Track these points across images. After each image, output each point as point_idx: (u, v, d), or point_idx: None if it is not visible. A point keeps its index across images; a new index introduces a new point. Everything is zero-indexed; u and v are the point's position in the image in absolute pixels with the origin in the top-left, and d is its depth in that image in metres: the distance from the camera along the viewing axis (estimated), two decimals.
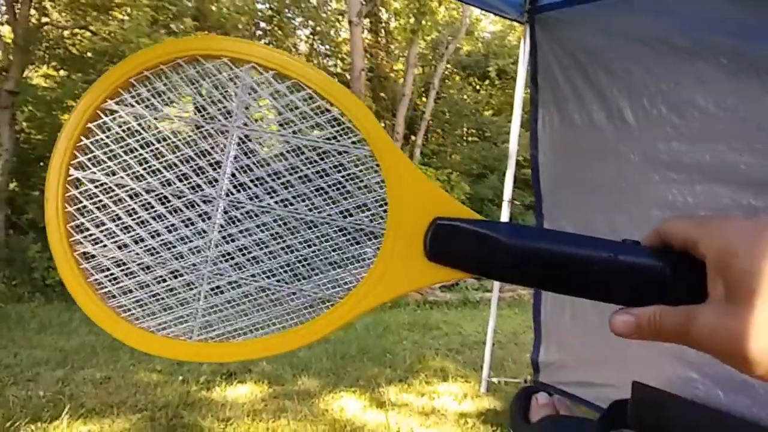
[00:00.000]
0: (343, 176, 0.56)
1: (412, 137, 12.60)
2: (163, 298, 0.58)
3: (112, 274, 0.58)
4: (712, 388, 2.39)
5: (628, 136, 2.66)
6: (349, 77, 11.94)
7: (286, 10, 12.32)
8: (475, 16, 14.93)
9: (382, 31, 14.29)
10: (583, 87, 2.85)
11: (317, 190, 0.57)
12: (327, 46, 13.97)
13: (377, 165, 0.54)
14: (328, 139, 0.56)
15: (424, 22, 12.05)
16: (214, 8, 10.61)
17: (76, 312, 5.61)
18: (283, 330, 0.56)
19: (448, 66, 14.49)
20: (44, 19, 8.79)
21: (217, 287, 0.58)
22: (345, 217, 0.57)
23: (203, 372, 3.88)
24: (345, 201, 0.56)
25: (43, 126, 7.72)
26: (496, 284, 3.72)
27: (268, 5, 12.32)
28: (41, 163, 7.71)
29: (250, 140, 0.57)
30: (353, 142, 0.55)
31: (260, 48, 0.56)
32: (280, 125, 0.57)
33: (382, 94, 13.48)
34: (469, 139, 14.74)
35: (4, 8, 8.25)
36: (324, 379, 3.89)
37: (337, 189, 0.57)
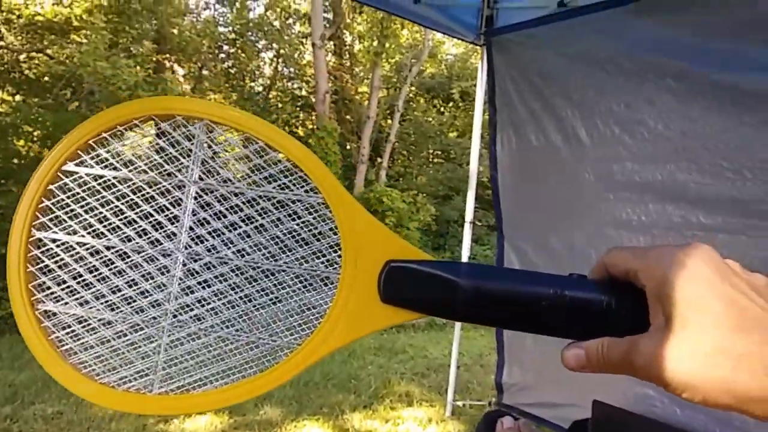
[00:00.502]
0: (297, 224, 0.58)
1: (378, 159, 12.66)
2: (123, 353, 0.59)
3: (72, 331, 0.58)
4: (669, 406, 2.42)
5: (584, 156, 2.70)
6: (314, 100, 11.97)
7: (249, 33, 12.31)
8: (437, 39, 15.20)
9: (346, 53, 14.40)
10: (539, 108, 2.90)
11: (273, 238, 0.59)
12: (291, 69, 13.99)
13: (330, 212, 0.55)
14: (282, 188, 0.58)
15: (387, 45, 12.20)
16: (174, 31, 10.52)
17: None
18: (242, 379, 0.57)
19: (412, 88, 14.67)
20: None
21: (177, 339, 0.59)
22: (301, 264, 0.58)
23: None
24: (300, 248, 0.58)
25: None
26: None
27: (230, 28, 12.30)
28: None
29: (206, 194, 0.59)
30: (306, 191, 0.57)
31: (212, 105, 0.60)
32: (236, 178, 0.59)
33: (347, 117, 13.53)
34: (435, 160, 14.89)
35: None
36: (287, 408, 3.78)
37: (292, 237, 0.58)
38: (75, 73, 7.62)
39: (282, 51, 12.90)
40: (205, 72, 12.41)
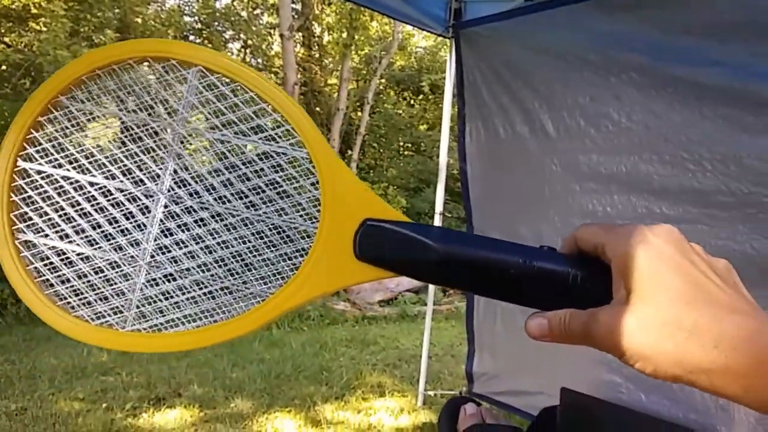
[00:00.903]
0: (280, 176, 0.59)
1: (349, 151, 12.62)
2: (99, 288, 0.59)
3: (51, 263, 0.59)
4: (635, 392, 2.49)
5: (551, 148, 2.75)
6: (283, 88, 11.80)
7: (216, 23, 12.09)
8: (407, 32, 15.19)
9: (316, 45, 14.27)
10: (507, 101, 2.93)
11: (254, 188, 0.60)
12: (259, 60, 13.79)
13: (313, 167, 0.56)
14: (268, 140, 0.59)
15: (356, 37, 12.14)
16: (138, 20, 10.26)
17: None
18: (214, 323, 0.58)
19: (382, 81, 14.64)
20: None
21: (153, 279, 0.60)
22: (280, 215, 0.59)
23: (129, 398, 3.68)
24: (281, 200, 0.59)
25: None
26: (431, 297, 3.75)
27: (196, 18, 12.06)
28: None
29: (193, 139, 0.60)
30: (291, 144, 0.58)
31: (208, 52, 0.58)
32: (223, 125, 0.59)
33: (317, 108, 13.43)
34: (405, 153, 14.91)
35: None
36: (258, 400, 3.77)
37: (274, 188, 0.59)
38: (34, 62, 7.37)
39: (250, 42, 12.71)
40: None
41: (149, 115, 0.60)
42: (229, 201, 0.59)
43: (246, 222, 0.60)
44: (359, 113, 13.44)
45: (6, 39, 8.01)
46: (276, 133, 0.58)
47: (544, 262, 0.45)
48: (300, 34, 13.39)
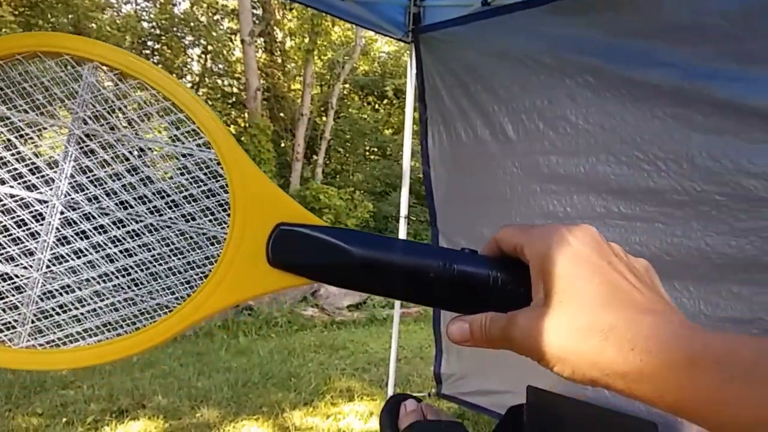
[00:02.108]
0: (186, 179, 0.55)
1: (314, 157, 12.57)
2: None
3: None
4: (600, 389, 2.53)
5: (511, 151, 2.80)
6: (245, 97, 11.72)
7: (175, 29, 11.89)
8: (369, 37, 15.25)
9: (278, 50, 14.18)
10: (467, 104, 2.97)
11: (159, 192, 0.56)
12: (221, 66, 13.62)
13: (221, 169, 0.53)
14: (173, 141, 0.55)
15: (318, 42, 12.12)
16: (93, 26, 10.01)
17: None
18: (117, 336, 0.54)
19: (346, 86, 14.66)
20: None
21: (49, 291, 0.56)
22: (187, 221, 0.56)
23: (91, 411, 3.58)
24: (188, 204, 0.56)
25: None
26: (398, 300, 3.76)
27: (154, 23, 11.84)
28: None
29: (91, 140, 0.55)
30: (198, 145, 0.54)
31: (104, 46, 0.54)
32: (123, 125, 0.56)
33: (280, 114, 13.34)
34: (371, 157, 14.94)
35: None
36: (225, 409, 3.71)
37: (180, 192, 0.56)
38: None
39: (210, 47, 12.54)
40: None
41: (41, 114, 0.55)
42: (131, 206, 0.56)
43: (150, 228, 0.56)
44: (324, 118, 13.42)
45: None
46: (181, 133, 0.55)
47: (465, 265, 0.44)
48: (261, 39, 13.29)
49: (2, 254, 0.55)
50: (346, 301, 7.71)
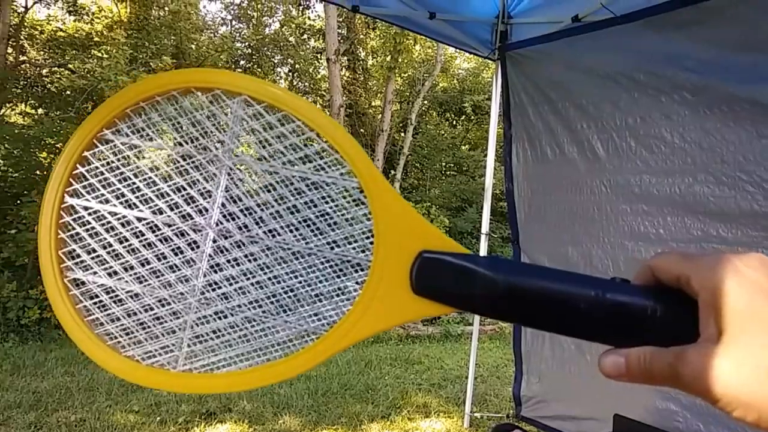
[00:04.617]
0: (330, 207, 0.57)
1: (392, 172, 12.72)
2: (149, 327, 0.57)
3: (100, 301, 0.57)
4: (693, 421, 2.40)
5: (600, 169, 2.73)
6: (328, 113, 12.08)
7: (265, 48, 12.50)
8: (449, 54, 15.32)
9: (360, 68, 14.54)
10: (554, 122, 2.94)
11: (305, 220, 0.57)
12: (306, 83, 14.15)
13: (364, 197, 0.54)
14: (317, 170, 0.56)
15: (400, 60, 12.32)
16: (193, 47, 10.73)
17: (52, 352, 5.46)
18: (267, 362, 0.55)
19: (425, 102, 14.75)
20: (22, 58, 8.79)
21: (204, 316, 0.58)
22: (332, 248, 0.56)
23: (182, 412, 3.78)
24: (332, 232, 0.56)
25: (20, 164, 7.63)
26: (477, 318, 3.73)
27: (246, 44, 12.51)
28: (18, 201, 7.59)
29: (240, 170, 0.58)
30: (341, 174, 0.55)
31: (252, 81, 0.56)
32: (271, 156, 0.57)
33: (361, 130, 13.63)
34: (448, 173, 14.90)
35: None
36: (305, 417, 3.81)
37: (325, 220, 0.57)
38: (96, 87, 7.79)
39: (297, 66, 13.07)
40: None
41: (195, 147, 0.58)
42: (279, 234, 0.57)
43: (297, 255, 0.57)
44: (402, 134, 13.57)
45: (71, 66, 8.49)
46: (325, 163, 0.55)
47: (619, 295, 0.41)
48: (345, 57, 13.68)
49: (161, 280, 0.58)
50: None
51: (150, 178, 0.58)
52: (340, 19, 12.74)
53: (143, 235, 0.57)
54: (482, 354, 6.09)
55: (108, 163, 0.57)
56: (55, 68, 8.95)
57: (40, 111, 9.06)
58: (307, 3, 14.26)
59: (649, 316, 0.40)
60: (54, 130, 7.56)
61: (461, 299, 0.48)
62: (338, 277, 0.57)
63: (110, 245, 0.57)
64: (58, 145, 7.60)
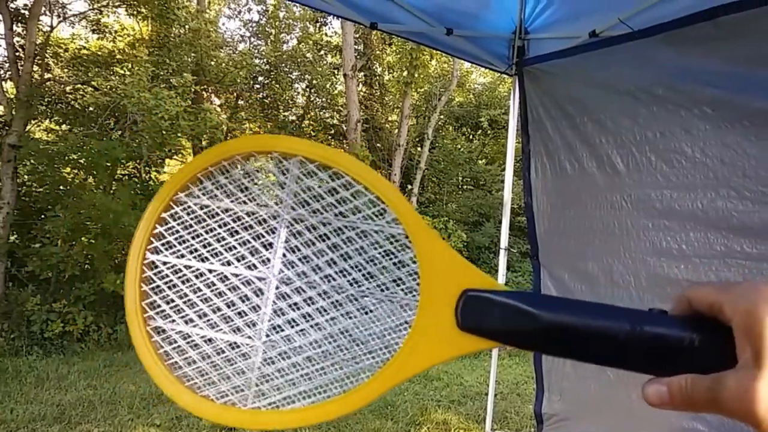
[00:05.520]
0: (379, 253, 0.62)
1: (409, 186, 12.74)
2: (221, 368, 0.63)
3: (178, 346, 0.63)
4: None
5: (620, 184, 2.71)
6: (345, 128, 12.19)
7: (283, 65, 12.66)
8: (465, 69, 15.39)
9: (377, 83, 14.66)
10: (573, 136, 2.93)
11: (357, 266, 0.63)
12: (323, 99, 14.29)
13: (409, 242, 0.58)
14: (365, 219, 0.62)
15: (416, 75, 12.40)
16: (213, 63, 10.91)
17: (75, 365, 5.53)
18: (326, 399, 0.59)
19: (442, 117, 14.80)
20: (47, 75, 9.02)
21: (269, 357, 0.63)
22: (382, 290, 0.62)
23: (203, 426, 3.80)
24: (381, 276, 0.61)
25: (44, 179, 7.80)
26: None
27: (265, 60, 12.68)
28: (42, 216, 7.75)
29: (297, 223, 0.64)
30: (387, 222, 0.60)
31: (306, 143, 0.62)
32: (324, 209, 0.63)
33: (378, 145, 13.70)
34: (465, 187, 14.90)
35: (7, 65, 8.47)
36: None
37: (374, 265, 0.62)
38: (119, 104, 7.95)
39: (314, 82, 13.21)
40: (241, 102, 12.79)
41: (258, 204, 0.65)
42: (334, 279, 0.62)
43: (351, 298, 0.62)
44: (419, 149, 13.62)
45: (94, 83, 8.68)
46: (372, 213, 0.61)
47: (656, 327, 0.43)
48: (362, 73, 13.81)
49: (230, 325, 0.64)
50: None
51: (219, 234, 0.65)
52: (357, 36, 12.90)
53: (214, 285, 0.64)
54: (502, 371, 6.03)
55: (182, 222, 0.65)
56: (79, 85, 9.16)
57: (64, 127, 9.25)
58: (324, 20, 14.46)
59: (687, 346, 0.42)
60: (78, 146, 7.72)
61: (505, 335, 0.50)
62: (389, 317, 0.62)
63: (186, 295, 0.64)
64: (81, 161, 7.77)
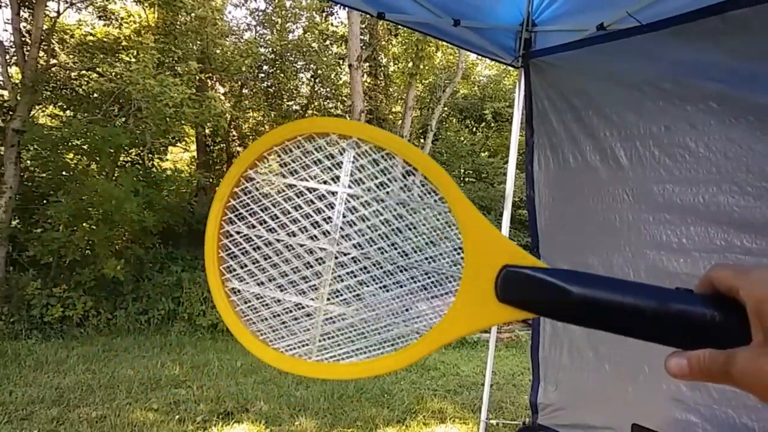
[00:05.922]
0: (427, 228, 0.68)
1: None
2: (289, 325, 0.71)
3: (252, 305, 0.72)
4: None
5: (623, 178, 2.72)
6: (348, 118, 12.16)
7: (288, 54, 12.63)
8: (470, 61, 15.33)
9: (381, 74, 14.62)
10: (577, 129, 2.93)
11: (406, 239, 0.69)
12: (328, 89, 14.25)
13: (455, 219, 0.63)
14: (415, 197, 0.68)
15: (421, 67, 12.36)
16: (218, 51, 10.88)
17: (74, 350, 5.57)
18: (380, 356, 0.67)
19: (445, 109, 14.78)
20: (52, 61, 9.01)
21: (330, 318, 0.71)
22: (429, 262, 0.68)
23: (200, 411, 3.84)
24: (429, 249, 0.67)
25: (47, 164, 7.81)
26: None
27: (270, 49, 12.65)
28: (44, 201, 7.76)
29: (353, 199, 0.70)
30: (435, 200, 0.65)
31: (360, 126, 0.68)
32: (377, 187, 0.69)
33: None
34: (467, 179, 14.89)
35: (13, 50, 8.46)
36: (321, 420, 3.84)
37: (423, 239, 0.68)
38: (124, 90, 7.94)
39: (319, 72, 13.18)
40: (245, 91, 12.77)
41: (318, 181, 0.71)
42: (386, 251, 0.69)
43: (401, 269, 0.69)
44: (422, 140, 13.60)
45: (99, 69, 8.67)
46: (422, 191, 0.66)
47: (680, 304, 0.47)
48: (367, 64, 13.77)
49: (296, 288, 0.72)
50: None
51: (285, 207, 0.73)
52: (363, 26, 12.84)
53: (282, 253, 0.72)
54: (498, 361, 6.06)
55: (252, 196, 0.72)
56: (84, 72, 9.15)
57: (68, 113, 9.25)
58: (331, 10, 14.40)
59: (708, 322, 0.45)
60: (81, 131, 7.72)
61: (540, 307, 0.55)
62: (435, 286, 0.68)
63: (257, 261, 0.73)
64: (84, 147, 7.78)
